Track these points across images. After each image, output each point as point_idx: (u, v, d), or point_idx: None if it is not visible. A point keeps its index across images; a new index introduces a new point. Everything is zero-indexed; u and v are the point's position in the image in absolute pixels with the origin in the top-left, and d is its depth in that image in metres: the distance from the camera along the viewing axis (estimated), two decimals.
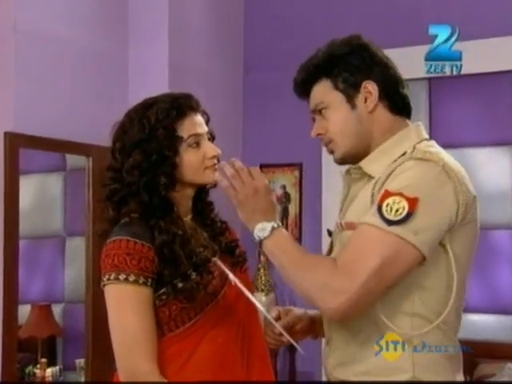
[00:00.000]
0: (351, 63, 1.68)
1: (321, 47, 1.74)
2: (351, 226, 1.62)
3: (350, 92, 1.68)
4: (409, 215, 1.49)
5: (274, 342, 1.86)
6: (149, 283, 1.67)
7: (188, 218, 1.84)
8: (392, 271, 1.50)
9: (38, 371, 3.40)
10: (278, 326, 1.76)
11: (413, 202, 1.49)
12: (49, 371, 3.42)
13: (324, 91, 1.70)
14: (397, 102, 1.71)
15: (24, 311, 3.46)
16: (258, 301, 1.84)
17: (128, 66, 3.76)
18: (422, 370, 1.59)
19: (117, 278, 1.66)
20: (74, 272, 3.69)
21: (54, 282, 3.78)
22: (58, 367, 3.52)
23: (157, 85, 3.50)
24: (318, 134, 1.74)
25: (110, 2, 3.73)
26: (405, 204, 1.49)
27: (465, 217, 1.57)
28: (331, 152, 1.74)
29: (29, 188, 3.52)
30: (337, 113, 1.69)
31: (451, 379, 1.64)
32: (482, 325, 3.72)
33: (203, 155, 1.79)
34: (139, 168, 1.73)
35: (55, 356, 3.65)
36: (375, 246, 1.50)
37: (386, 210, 1.49)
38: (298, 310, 1.88)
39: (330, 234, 1.84)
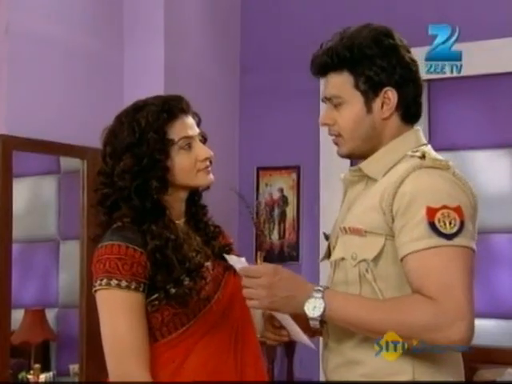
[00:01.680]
0: (378, 65, 1.64)
1: (348, 29, 1.69)
2: (357, 232, 1.62)
3: (370, 95, 1.66)
4: (462, 223, 1.52)
5: (273, 337, 1.82)
6: (141, 289, 1.65)
7: (181, 222, 1.82)
8: (473, 277, 1.54)
9: (31, 377, 3.37)
10: (289, 318, 1.69)
11: (459, 211, 1.53)
12: (42, 377, 3.39)
13: (344, 86, 1.67)
14: (412, 111, 1.71)
15: (17, 316, 3.43)
16: None
17: (123, 67, 3.74)
18: (422, 372, 1.59)
19: (108, 284, 1.64)
20: (68, 276, 3.66)
21: (47, 287, 3.75)
22: (51, 373, 3.49)
23: (152, 86, 3.47)
24: (326, 124, 1.72)
25: (104, 3, 3.69)
26: (454, 215, 1.52)
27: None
28: (336, 144, 1.73)
29: (22, 191, 3.50)
30: (351, 112, 1.67)
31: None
32: (481, 330, 3.67)
33: (195, 158, 1.76)
34: (130, 172, 1.71)
35: (49, 361, 3.61)
36: (454, 264, 1.51)
37: (441, 226, 1.51)
38: None
39: (326, 237, 1.82)
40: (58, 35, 3.40)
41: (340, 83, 1.67)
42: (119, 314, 1.63)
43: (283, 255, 4.16)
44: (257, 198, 4.22)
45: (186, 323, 1.70)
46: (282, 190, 4.21)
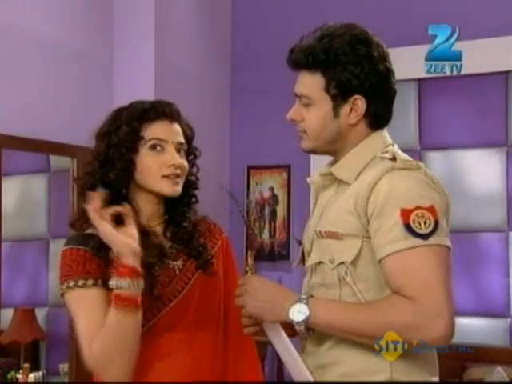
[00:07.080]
0: (350, 72, 1.64)
1: (331, 27, 1.69)
2: (334, 235, 1.63)
3: (339, 100, 1.66)
4: (437, 223, 1.54)
5: (247, 322, 1.75)
6: (99, 284, 1.69)
7: (155, 224, 1.82)
8: (450, 274, 1.55)
9: (20, 376, 3.36)
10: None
11: (433, 210, 1.55)
12: (32, 376, 3.38)
13: (314, 87, 1.67)
14: (380, 121, 1.71)
15: (7, 315, 3.43)
16: None
17: (113, 65, 3.73)
18: (399, 371, 1.60)
19: (68, 286, 1.70)
20: (58, 275, 3.64)
21: (37, 286, 3.74)
22: (41, 372, 3.49)
23: (142, 85, 3.47)
24: (293, 119, 1.73)
25: (94, 0, 3.68)
26: (428, 214, 1.54)
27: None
28: (300, 138, 1.75)
29: (12, 190, 3.49)
30: (319, 114, 1.68)
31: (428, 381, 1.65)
32: (471, 328, 3.70)
33: (161, 161, 1.76)
34: (98, 159, 1.76)
35: (38, 361, 3.61)
36: (431, 263, 1.52)
37: (416, 227, 1.53)
38: None
39: (299, 242, 1.85)
40: (48, 33, 3.39)
41: (311, 84, 1.68)
42: (82, 312, 1.68)
43: (274, 254, 4.16)
44: (247, 197, 4.22)
45: (151, 319, 1.72)
46: (272, 189, 4.21)
